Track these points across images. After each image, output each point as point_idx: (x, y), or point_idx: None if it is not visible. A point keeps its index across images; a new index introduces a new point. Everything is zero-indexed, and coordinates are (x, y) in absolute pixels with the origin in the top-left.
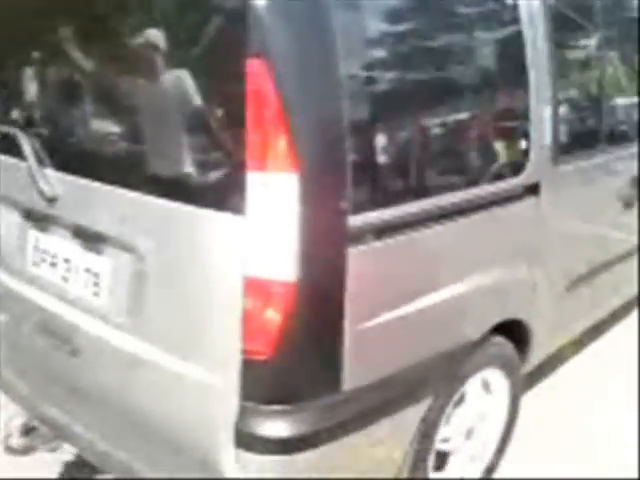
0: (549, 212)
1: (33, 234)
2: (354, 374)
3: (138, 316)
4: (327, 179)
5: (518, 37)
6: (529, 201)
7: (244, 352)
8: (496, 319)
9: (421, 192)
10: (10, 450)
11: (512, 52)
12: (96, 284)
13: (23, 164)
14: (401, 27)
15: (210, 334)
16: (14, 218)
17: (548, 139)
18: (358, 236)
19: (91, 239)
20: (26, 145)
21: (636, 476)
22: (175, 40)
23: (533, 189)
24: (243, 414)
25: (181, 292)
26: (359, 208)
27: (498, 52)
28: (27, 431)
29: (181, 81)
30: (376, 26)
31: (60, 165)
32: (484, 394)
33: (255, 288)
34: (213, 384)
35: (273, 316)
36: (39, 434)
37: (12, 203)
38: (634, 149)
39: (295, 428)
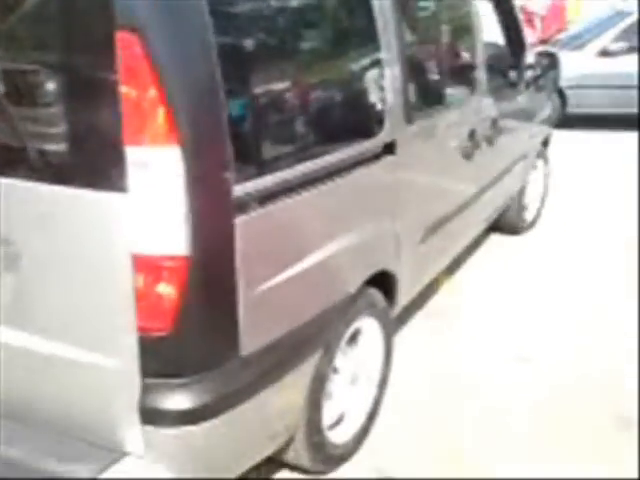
0: (404, 168)
1: None
2: (250, 339)
3: (20, 308)
4: (210, 150)
5: (367, 2)
6: (387, 159)
7: (141, 330)
8: (368, 272)
9: (293, 159)
10: None
11: (363, 17)
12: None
13: None
14: None
15: (101, 316)
16: None
17: (400, 99)
18: (242, 205)
19: None
20: None
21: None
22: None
23: (390, 148)
24: (145, 391)
25: (65, 278)
26: (241, 178)
27: (350, 17)
28: None
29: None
30: None
31: None
32: (362, 340)
33: (145, 265)
34: (110, 366)
35: (167, 291)
36: None
37: None
38: (477, 103)
39: (197, 399)
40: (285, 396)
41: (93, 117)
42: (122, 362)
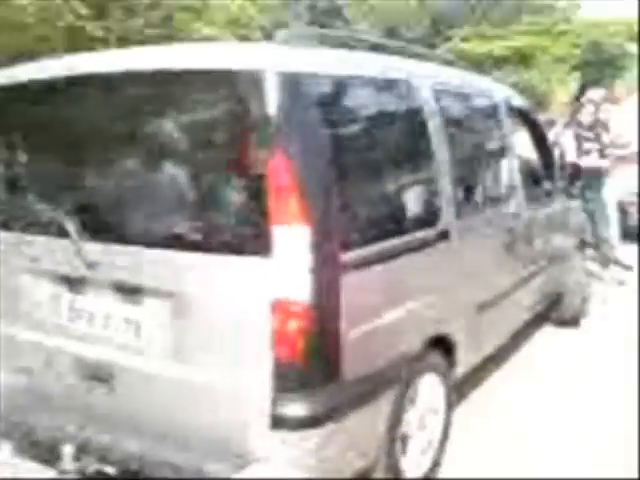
0: (455, 252)
1: (67, 297)
2: (347, 368)
3: (179, 349)
4: (326, 229)
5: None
6: (443, 244)
7: (276, 356)
8: (430, 333)
9: (379, 238)
10: (63, 473)
11: (425, 140)
12: (137, 329)
13: (56, 240)
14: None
15: (246, 348)
16: (44, 286)
17: (451, 200)
18: (344, 268)
19: (130, 292)
20: (69, 224)
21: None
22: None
23: (445, 235)
24: (274, 403)
25: (222, 321)
26: (344, 249)
27: (417, 139)
28: (78, 457)
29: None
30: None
31: (97, 237)
32: (426, 392)
33: (280, 308)
34: (249, 386)
35: (294, 327)
36: (87, 458)
37: (42, 273)
38: (506, 209)
39: (313, 408)
40: (371, 420)
41: (247, 206)
42: (259, 382)
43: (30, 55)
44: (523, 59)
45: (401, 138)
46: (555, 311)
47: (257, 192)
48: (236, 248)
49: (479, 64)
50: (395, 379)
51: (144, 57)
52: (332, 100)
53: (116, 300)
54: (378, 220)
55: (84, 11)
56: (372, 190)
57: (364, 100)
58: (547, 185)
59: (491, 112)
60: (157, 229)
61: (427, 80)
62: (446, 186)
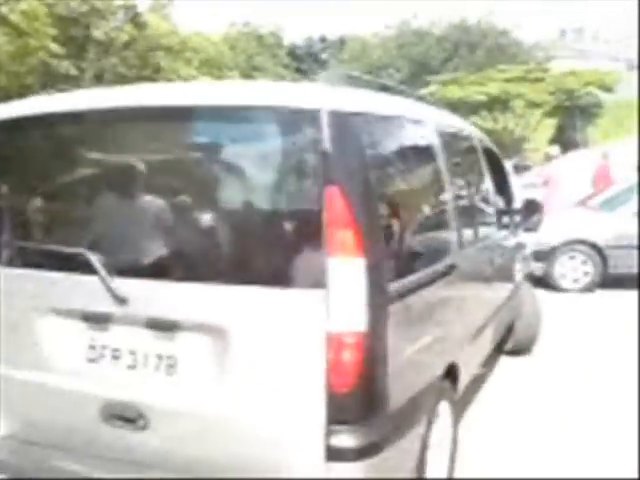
0: (460, 283)
1: (88, 334)
2: (392, 399)
3: (222, 384)
4: (378, 261)
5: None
6: (451, 276)
7: (330, 388)
8: (447, 362)
9: (411, 269)
10: None
11: (440, 182)
12: (171, 365)
13: (79, 277)
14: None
15: (299, 381)
16: (61, 324)
17: (456, 232)
18: (390, 299)
19: (165, 328)
20: (96, 261)
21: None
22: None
23: (452, 267)
24: (329, 434)
25: (265, 355)
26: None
27: (435, 181)
28: None
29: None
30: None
31: (130, 272)
32: (440, 417)
33: (335, 340)
34: (302, 417)
35: (348, 358)
36: None
37: (58, 312)
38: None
39: (369, 438)
40: (407, 450)
41: (301, 239)
42: (310, 414)
43: (5, 93)
44: (499, 104)
45: (424, 173)
46: (508, 340)
47: (311, 225)
48: (288, 280)
49: (456, 109)
50: (426, 407)
51: (195, 93)
52: (377, 137)
53: (148, 336)
54: (412, 252)
55: (59, 50)
56: (408, 223)
57: (400, 138)
58: (506, 220)
59: (472, 151)
60: (199, 263)
61: (432, 120)
62: (452, 219)
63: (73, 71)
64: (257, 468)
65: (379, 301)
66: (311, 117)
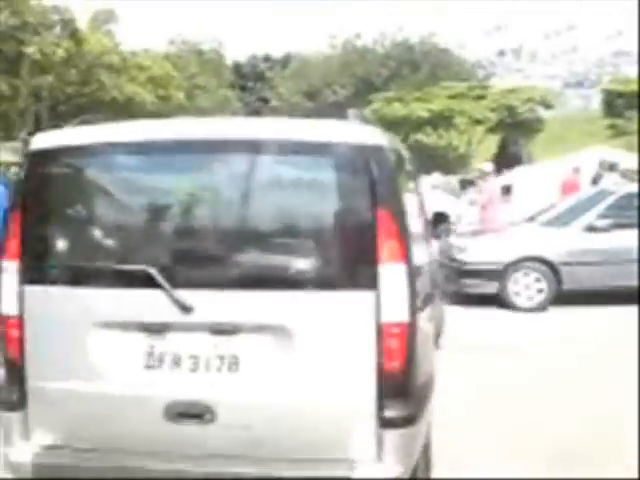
0: None
1: (146, 343)
2: (419, 377)
3: (284, 377)
4: (412, 266)
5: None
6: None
7: (382, 369)
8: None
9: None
10: None
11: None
12: (233, 363)
13: (134, 291)
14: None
15: (355, 367)
16: (115, 335)
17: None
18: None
19: (227, 332)
20: (158, 276)
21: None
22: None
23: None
24: (382, 408)
25: (324, 348)
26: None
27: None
28: None
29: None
30: None
31: (190, 284)
32: None
33: (388, 329)
34: (352, 400)
35: (396, 345)
36: None
37: (118, 325)
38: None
39: (413, 409)
40: (424, 427)
41: (363, 252)
42: (367, 391)
43: None
44: (442, 120)
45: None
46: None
47: (365, 238)
48: (344, 284)
49: (400, 126)
50: (433, 387)
51: (257, 128)
52: (395, 166)
53: (209, 340)
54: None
55: None
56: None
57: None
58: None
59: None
60: (264, 271)
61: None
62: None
63: (6, 90)
64: (322, 444)
65: (415, 298)
66: (363, 151)
